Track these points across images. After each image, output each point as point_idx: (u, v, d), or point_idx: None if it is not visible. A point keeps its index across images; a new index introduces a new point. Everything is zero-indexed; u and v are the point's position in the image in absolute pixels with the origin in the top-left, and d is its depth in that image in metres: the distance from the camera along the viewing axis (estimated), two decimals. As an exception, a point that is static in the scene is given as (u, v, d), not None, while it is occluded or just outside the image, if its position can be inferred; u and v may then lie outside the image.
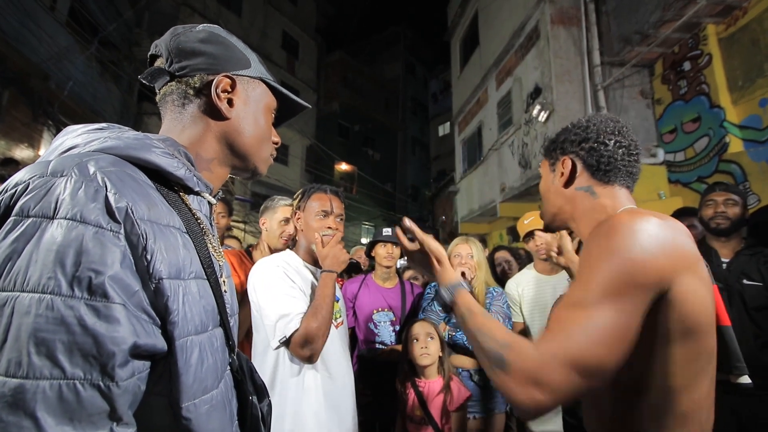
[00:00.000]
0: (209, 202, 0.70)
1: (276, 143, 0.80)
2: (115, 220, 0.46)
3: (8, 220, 0.43)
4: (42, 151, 6.97)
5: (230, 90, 0.68)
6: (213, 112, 0.68)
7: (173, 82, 0.67)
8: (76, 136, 0.56)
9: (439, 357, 1.84)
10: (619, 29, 5.36)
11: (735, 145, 4.09)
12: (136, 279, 0.47)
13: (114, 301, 0.43)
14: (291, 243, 2.04)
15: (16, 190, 0.45)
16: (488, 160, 8.52)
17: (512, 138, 7.37)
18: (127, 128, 0.61)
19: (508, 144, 7.52)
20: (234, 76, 0.68)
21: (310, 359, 1.23)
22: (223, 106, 0.67)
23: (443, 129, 18.58)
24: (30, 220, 0.43)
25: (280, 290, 1.29)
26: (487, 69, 8.52)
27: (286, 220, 2.07)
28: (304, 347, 1.20)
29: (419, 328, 1.86)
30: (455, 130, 10.99)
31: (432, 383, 1.81)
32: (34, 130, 6.90)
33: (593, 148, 0.91)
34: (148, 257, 0.49)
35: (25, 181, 0.45)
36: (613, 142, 0.90)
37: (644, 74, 5.66)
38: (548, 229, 1.05)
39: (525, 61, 6.92)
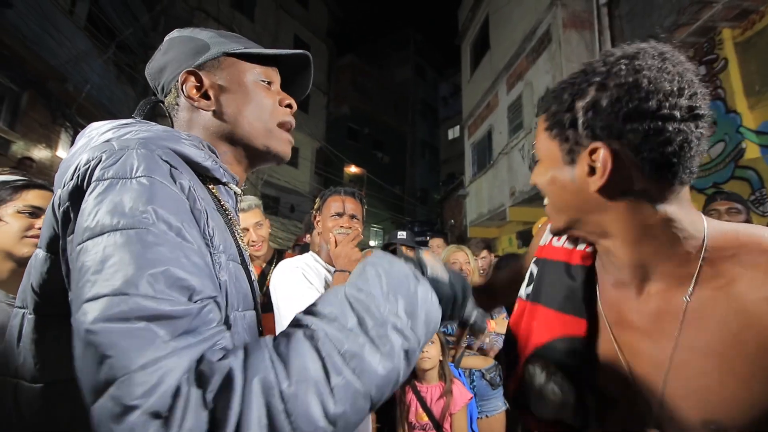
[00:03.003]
0: (235, 193, 0.70)
1: (289, 105, 0.72)
2: (183, 187, 0.50)
3: (90, 186, 0.46)
4: (59, 152, 7.13)
5: (199, 83, 0.65)
6: (199, 111, 0.66)
7: (163, 104, 0.70)
8: (105, 131, 0.57)
9: (440, 361, 1.83)
10: (633, 33, 5.31)
11: (752, 150, 4.01)
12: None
13: (192, 241, 0.47)
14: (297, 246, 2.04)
15: (88, 167, 0.48)
16: (498, 164, 8.48)
17: (523, 142, 7.33)
18: (153, 123, 0.61)
19: (518, 148, 7.48)
20: (194, 69, 0.65)
21: None
22: (201, 103, 0.65)
23: (453, 132, 18.54)
24: (109, 180, 0.45)
25: (296, 291, 1.31)
26: (497, 73, 8.50)
27: (244, 230, 1.87)
28: None
29: None
30: (465, 134, 10.97)
31: (432, 388, 1.80)
32: (52, 132, 7.07)
33: (654, 130, 0.50)
34: (209, 231, 0.52)
35: (96, 157, 0.48)
36: (684, 108, 0.50)
37: (658, 78, 5.59)
38: (556, 233, 0.70)
39: (536, 65, 6.89)
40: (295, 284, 1.32)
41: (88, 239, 0.42)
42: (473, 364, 2.08)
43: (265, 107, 0.68)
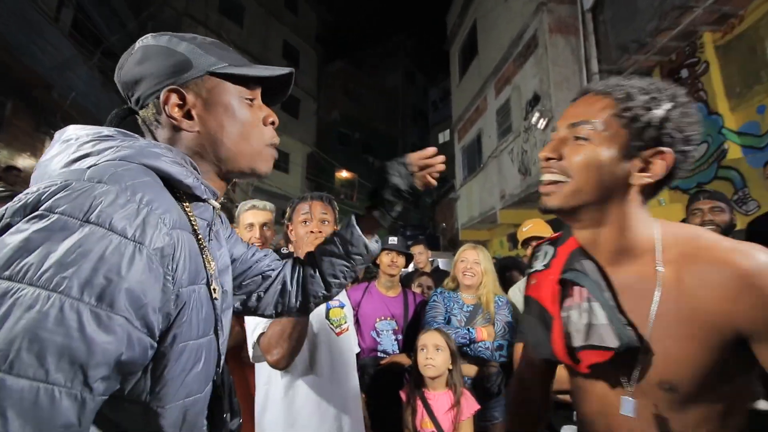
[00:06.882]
0: (214, 208, 0.68)
1: (272, 123, 0.70)
2: (143, 231, 0.46)
3: (35, 213, 0.43)
4: (44, 161, 7.00)
5: (182, 102, 0.61)
6: (181, 131, 0.62)
7: (138, 117, 0.65)
8: (85, 142, 0.54)
9: (449, 370, 1.79)
10: (617, 38, 5.41)
11: (734, 151, 4.11)
12: (153, 290, 0.47)
13: (119, 312, 0.43)
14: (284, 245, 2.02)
15: (48, 190, 0.45)
16: (488, 167, 8.55)
17: (512, 145, 7.40)
18: (135, 135, 0.59)
19: (508, 151, 7.56)
20: (179, 87, 0.61)
21: (278, 363, 1.17)
22: (183, 123, 0.62)
23: (443, 136, 18.65)
24: (56, 216, 0.42)
25: None
26: (485, 77, 8.59)
27: (250, 226, 2.02)
28: (269, 350, 1.16)
29: (427, 338, 1.82)
30: (455, 138, 11.05)
31: (439, 395, 1.77)
32: (37, 140, 6.94)
33: (688, 154, 0.68)
34: (174, 266, 0.50)
35: (58, 183, 0.45)
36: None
37: (642, 82, 5.70)
38: (556, 211, 0.73)
39: (523, 69, 6.98)
40: None
41: (6, 279, 0.39)
42: (467, 372, 2.06)
43: (249, 127, 0.66)
